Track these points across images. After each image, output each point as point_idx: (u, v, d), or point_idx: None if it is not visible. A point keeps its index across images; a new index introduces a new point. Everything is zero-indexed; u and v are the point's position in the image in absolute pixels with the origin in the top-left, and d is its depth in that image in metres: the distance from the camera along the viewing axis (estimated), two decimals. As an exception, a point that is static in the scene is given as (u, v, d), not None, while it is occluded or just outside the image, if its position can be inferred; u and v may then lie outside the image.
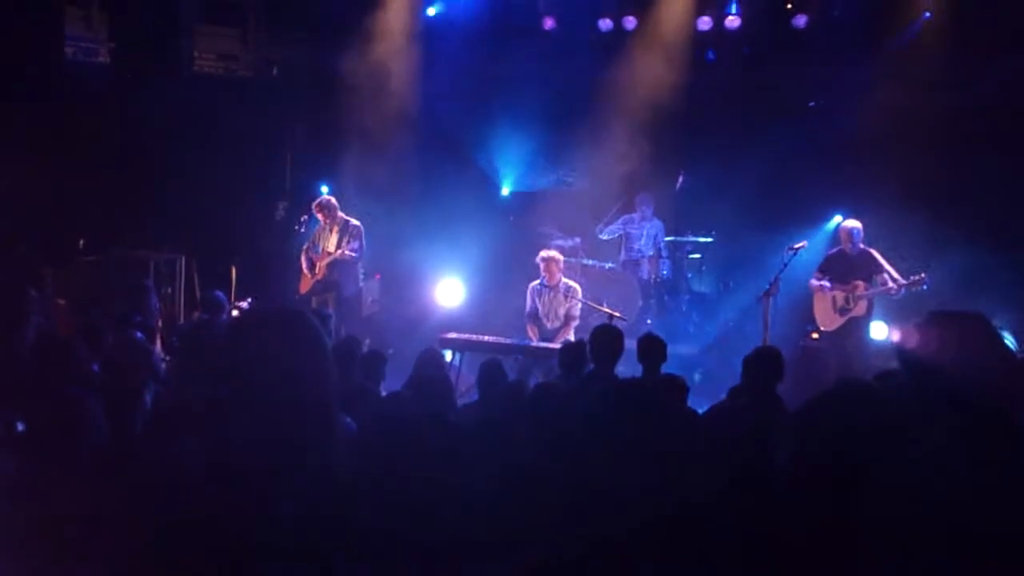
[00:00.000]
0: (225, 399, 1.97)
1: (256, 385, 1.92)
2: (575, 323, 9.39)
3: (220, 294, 8.55)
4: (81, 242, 10.33)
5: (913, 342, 2.59)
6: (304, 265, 10.42)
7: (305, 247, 10.49)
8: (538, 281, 9.50)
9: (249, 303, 9.76)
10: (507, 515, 3.55)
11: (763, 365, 5.60)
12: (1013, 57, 10.04)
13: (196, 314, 9.76)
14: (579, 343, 7.02)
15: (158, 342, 7.94)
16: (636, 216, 11.89)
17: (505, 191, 12.87)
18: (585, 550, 2.05)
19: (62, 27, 10.68)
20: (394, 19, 12.32)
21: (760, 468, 4.00)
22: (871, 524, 2.39)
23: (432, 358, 6.96)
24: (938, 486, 2.43)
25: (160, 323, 8.76)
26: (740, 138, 11.58)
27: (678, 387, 5.65)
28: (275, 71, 12.91)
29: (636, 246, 11.84)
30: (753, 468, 4.08)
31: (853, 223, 9.16)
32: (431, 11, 12.59)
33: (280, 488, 1.88)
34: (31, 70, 9.86)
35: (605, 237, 11.89)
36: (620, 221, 11.95)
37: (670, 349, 6.96)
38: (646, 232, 11.82)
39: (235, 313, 9.12)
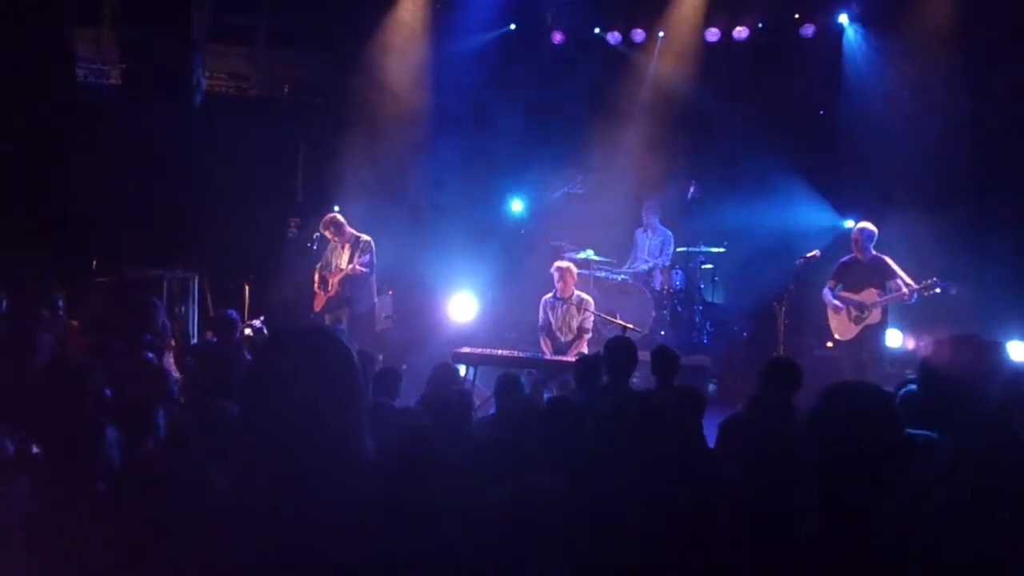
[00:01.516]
0: (250, 421, 1.93)
1: (282, 408, 1.87)
2: (588, 335, 9.36)
3: (233, 313, 8.55)
4: (93, 263, 10.36)
5: (929, 357, 2.60)
6: (317, 283, 10.43)
7: (319, 266, 10.50)
8: (551, 294, 9.47)
9: (261, 322, 9.76)
10: (523, 531, 3.52)
11: (780, 376, 5.55)
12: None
13: (208, 333, 9.76)
14: (594, 356, 6.99)
15: (170, 361, 7.94)
16: (640, 228, 11.90)
17: (517, 206, 12.83)
18: (600, 563, 2.03)
19: (73, 49, 10.73)
20: (403, 35, 12.37)
21: (778, 480, 3.97)
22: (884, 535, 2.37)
23: (447, 374, 6.95)
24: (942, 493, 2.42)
25: (173, 342, 8.77)
26: (751, 148, 11.58)
27: (696, 400, 5.60)
28: (285, 89, 12.96)
29: (643, 256, 11.83)
30: (771, 481, 4.05)
31: (865, 228, 9.11)
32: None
33: (303, 511, 1.84)
34: (42, 92, 9.91)
35: (628, 266, 11.90)
36: (635, 238, 11.97)
37: (683, 360, 6.93)
38: (649, 243, 11.80)
39: (247, 332, 9.11)
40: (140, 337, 7.03)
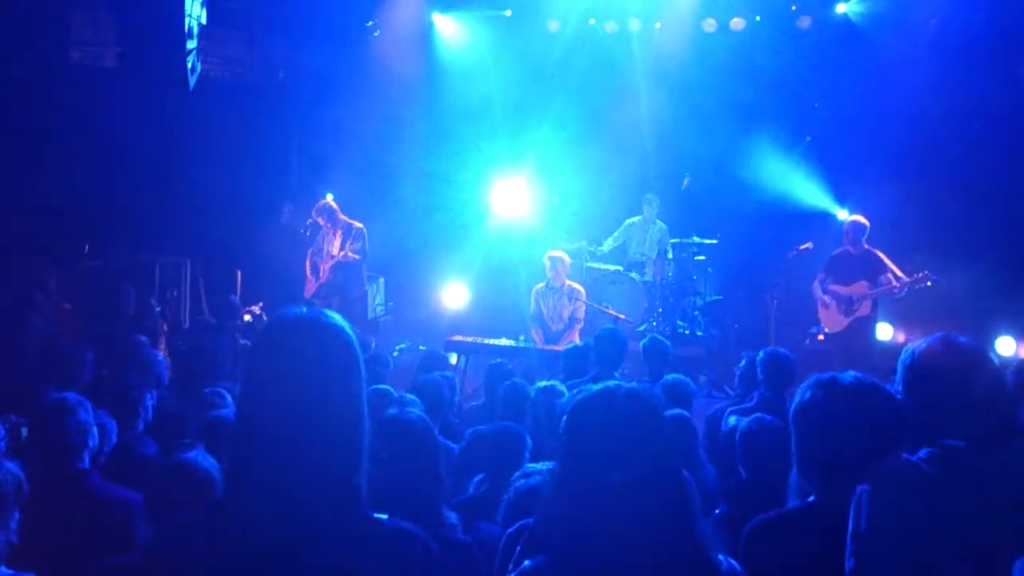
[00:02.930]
0: (250, 407, 1.91)
1: (284, 394, 1.84)
2: (579, 325, 9.38)
3: (234, 298, 8.54)
4: (86, 246, 10.33)
5: (912, 358, 2.60)
6: (308, 269, 10.43)
7: (310, 252, 10.50)
8: (543, 284, 9.49)
9: (261, 308, 9.76)
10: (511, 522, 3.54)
11: (775, 368, 5.55)
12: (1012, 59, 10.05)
13: (202, 318, 9.77)
14: (583, 346, 7.02)
15: (162, 346, 7.94)
16: (640, 219, 11.87)
17: (511, 194, 12.74)
18: (584, 557, 2.04)
19: (68, 30, 10.68)
20: (400, 23, 12.34)
21: (768, 472, 4.00)
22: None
23: (436, 361, 6.97)
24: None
25: (166, 327, 8.77)
26: (745, 140, 11.58)
27: (683, 392, 5.62)
28: (281, 75, 12.91)
29: (640, 248, 11.82)
30: (762, 473, 4.08)
31: (857, 221, 9.13)
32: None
33: (304, 495, 1.82)
34: (37, 73, 9.86)
35: (607, 248, 11.84)
36: (624, 225, 11.93)
37: (675, 351, 6.95)
38: (649, 235, 11.79)
39: (247, 318, 9.12)
40: (114, 322, 7.06)
